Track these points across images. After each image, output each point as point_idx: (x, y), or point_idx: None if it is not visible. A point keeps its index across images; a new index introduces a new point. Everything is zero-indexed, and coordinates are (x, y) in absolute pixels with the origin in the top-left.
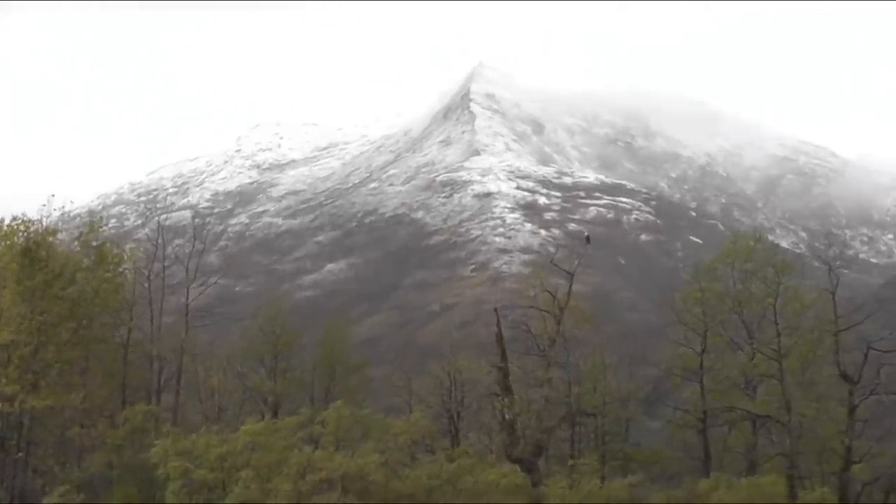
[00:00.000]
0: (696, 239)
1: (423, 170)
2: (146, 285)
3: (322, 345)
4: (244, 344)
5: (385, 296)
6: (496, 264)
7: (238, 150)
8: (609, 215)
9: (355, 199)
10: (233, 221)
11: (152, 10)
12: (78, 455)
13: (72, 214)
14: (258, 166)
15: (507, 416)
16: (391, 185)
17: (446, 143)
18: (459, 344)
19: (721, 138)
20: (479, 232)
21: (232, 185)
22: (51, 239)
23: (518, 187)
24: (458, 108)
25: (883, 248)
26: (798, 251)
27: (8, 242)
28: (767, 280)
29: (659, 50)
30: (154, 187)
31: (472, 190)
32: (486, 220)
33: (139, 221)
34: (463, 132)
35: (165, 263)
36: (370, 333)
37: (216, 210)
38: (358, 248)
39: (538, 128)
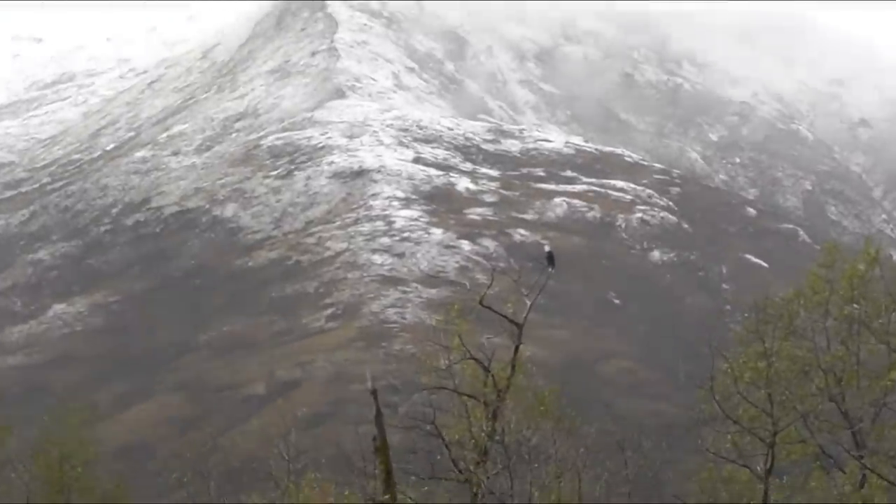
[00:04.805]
0: (755, 259)
1: (237, 125)
2: None
3: (43, 456)
4: None
5: (164, 365)
6: (375, 307)
7: None
8: (591, 213)
9: (108, 181)
10: None
11: None
12: None
13: None
14: None
15: None
16: (176, 153)
17: (282, 73)
18: (295, 457)
19: (805, 69)
20: (344, 244)
21: None
22: None
23: (418, 159)
24: (304, 7)
25: None
26: None
27: None
28: (892, 338)
29: None
30: None
31: (332, 164)
32: (358, 221)
33: None
34: (313, 53)
35: None
36: (135, 435)
37: None
38: (113, 274)
39: (458, 45)
